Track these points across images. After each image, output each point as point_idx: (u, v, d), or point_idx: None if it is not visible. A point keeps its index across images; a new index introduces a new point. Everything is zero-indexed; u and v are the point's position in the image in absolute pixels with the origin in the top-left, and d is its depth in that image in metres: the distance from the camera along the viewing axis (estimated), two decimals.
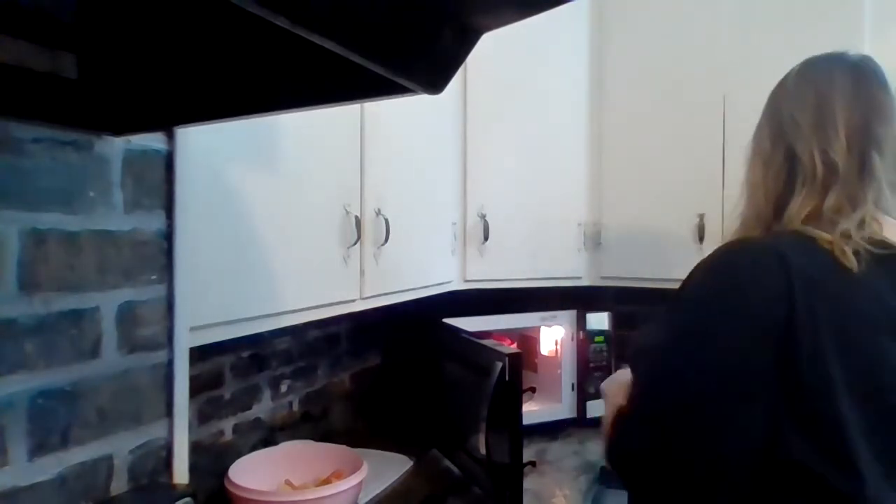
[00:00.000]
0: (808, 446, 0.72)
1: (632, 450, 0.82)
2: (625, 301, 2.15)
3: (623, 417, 0.85)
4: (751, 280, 0.76)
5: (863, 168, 0.81)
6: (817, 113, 0.84)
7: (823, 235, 0.77)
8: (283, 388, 1.61)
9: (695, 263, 0.84)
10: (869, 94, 0.83)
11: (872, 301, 0.75)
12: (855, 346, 0.73)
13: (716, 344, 0.76)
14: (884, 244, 0.77)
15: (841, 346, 0.72)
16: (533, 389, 1.95)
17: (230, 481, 1.14)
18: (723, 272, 0.80)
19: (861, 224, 0.77)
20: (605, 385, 0.95)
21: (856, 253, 0.74)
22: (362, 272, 1.33)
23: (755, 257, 0.78)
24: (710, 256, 0.83)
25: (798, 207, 0.82)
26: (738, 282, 0.77)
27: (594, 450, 1.79)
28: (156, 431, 0.90)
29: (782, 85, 0.91)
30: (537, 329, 2.09)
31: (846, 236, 0.76)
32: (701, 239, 1.81)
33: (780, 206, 0.85)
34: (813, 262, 0.75)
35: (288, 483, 1.26)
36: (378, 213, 1.36)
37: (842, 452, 0.71)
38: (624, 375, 0.89)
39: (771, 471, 0.74)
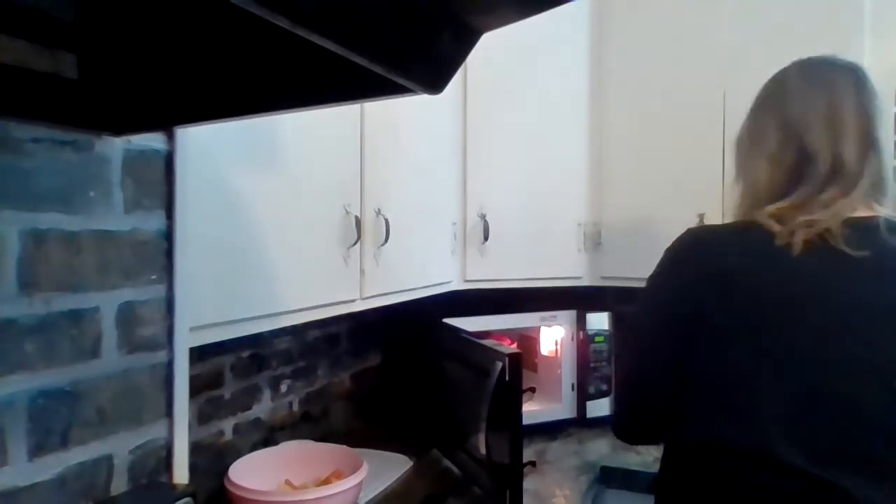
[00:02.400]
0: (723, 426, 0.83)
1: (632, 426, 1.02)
2: (625, 301, 2.15)
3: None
4: (680, 261, 0.91)
5: (862, 168, 0.87)
6: (829, 115, 0.89)
7: (770, 224, 0.84)
8: (283, 388, 1.61)
9: None
10: (869, 99, 0.90)
11: (805, 282, 0.81)
12: (775, 323, 0.81)
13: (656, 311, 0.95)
14: (853, 224, 0.83)
15: (756, 322, 0.82)
16: (533, 389, 1.95)
17: (230, 481, 1.14)
18: (667, 253, 0.94)
19: (837, 214, 0.83)
20: None
21: (807, 241, 0.81)
22: (362, 272, 1.33)
23: (689, 241, 0.92)
24: None
25: (789, 201, 0.87)
26: (672, 260, 0.93)
27: (594, 450, 1.79)
28: (156, 431, 0.90)
29: (781, 87, 0.96)
30: (537, 329, 2.09)
31: (808, 225, 0.82)
32: None
33: (774, 199, 0.90)
34: (747, 247, 0.86)
35: (288, 483, 1.26)
36: (378, 213, 1.36)
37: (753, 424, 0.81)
38: None
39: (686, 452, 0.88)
